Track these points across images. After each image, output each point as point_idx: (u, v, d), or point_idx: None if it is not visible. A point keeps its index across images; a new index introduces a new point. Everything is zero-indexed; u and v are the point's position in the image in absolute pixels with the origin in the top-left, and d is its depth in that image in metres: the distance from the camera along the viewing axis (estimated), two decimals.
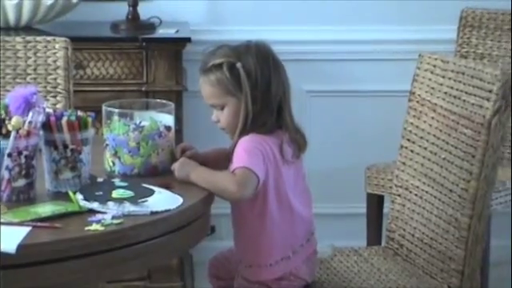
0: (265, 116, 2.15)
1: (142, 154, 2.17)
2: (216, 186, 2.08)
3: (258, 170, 2.09)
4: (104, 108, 2.21)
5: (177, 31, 3.28)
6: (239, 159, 2.11)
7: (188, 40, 3.20)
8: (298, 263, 2.22)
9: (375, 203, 3.24)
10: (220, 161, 2.21)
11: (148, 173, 2.17)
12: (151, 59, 3.18)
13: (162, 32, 3.28)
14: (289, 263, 2.21)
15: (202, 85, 2.20)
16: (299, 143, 2.21)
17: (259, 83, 2.14)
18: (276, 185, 2.16)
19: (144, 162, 2.17)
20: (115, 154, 2.18)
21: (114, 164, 2.19)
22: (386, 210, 3.13)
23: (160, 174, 2.16)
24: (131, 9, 3.34)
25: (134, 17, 3.34)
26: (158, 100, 2.41)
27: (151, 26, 3.34)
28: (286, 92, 2.20)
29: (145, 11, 3.37)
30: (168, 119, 2.23)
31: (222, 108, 2.17)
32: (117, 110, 2.19)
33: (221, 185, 2.08)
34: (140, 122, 2.18)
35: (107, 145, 2.19)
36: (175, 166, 2.14)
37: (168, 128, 2.21)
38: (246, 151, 2.11)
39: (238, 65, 2.14)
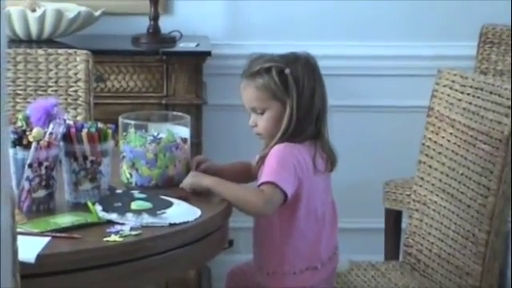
0: (305, 125, 2.17)
1: (159, 166, 2.18)
2: (239, 202, 2.09)
3: (287, 184, 2.10)
4: (120, 120, 2.23)
5: (197, 45, 3.30)
6: (269, 172, 2.12)
7: (208, 54, 3.22)
8: (323, 276, 2.23)
9: (393, 218, 3.23)
10: (234, 175, 2.23)
11: (165, 184, 2.18)
12: (171, 72, 3.20)
13: (182, 46, 3.30)
14: (315, 274, 2.22)
15: (246, 88, 2.20)
16: (331, 158, 2.22)
17: (305, 91, 2.17)
18: (307, 194, 2.17)
19: (161, 173, 2.19)
20: (133, 166, 2.20)
21: (131, 176, 2.20)
22: (403, 226, 3.13)
23: (176, 186, 2.17)
24: (152, 22, 3.37)
25: (154, 30, 3.37)
26: (175, 112, 2.43)
27: (172, 40, 3.36)
28: (325, 105, 2.23)
29: (165, 25, 3.40)
30: (184, 131, 2.24)
31: (263, 112, 2.18)
32: (133, 122, 2.21)
33: (245, 201, 2.09)
34: (158, 134, 2.19)
35: (124, 157, 2.21)
36: (186, 179, 2.15)
37: (184, 140, 2.23)
38: (278, 163, 2.12)
39: (287, 71, 2.17)
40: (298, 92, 2.16)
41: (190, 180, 2.14)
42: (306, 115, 2.18)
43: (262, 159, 2.18)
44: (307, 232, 2.20)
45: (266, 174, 2.12)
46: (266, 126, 2.18)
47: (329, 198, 2.26)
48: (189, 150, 2.25)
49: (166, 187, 2.17)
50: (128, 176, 2.21)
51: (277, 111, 2.17)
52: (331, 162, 2.24)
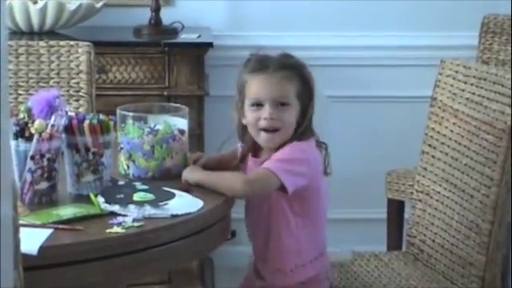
0: (310, 126, 2.20)
1: (156, 158, 2.18)
2: (222, 181, 2.09)
3: (288, 177, 2.09)
4: (118, 112, 2.22)
5: (199, 36, 3.29)
6: (273, 160, 2.11)
7: (210, 45, 3.21)
8: (328, 260, 2.25)
9: (395, 209, 3.23)
10: (235, 161, 2.24)
11: (162, 176, 2.18)
12: (173, 64, 3.19)
13: (184, 37, 3.29)
14: (324, 259, 2.24)
15: (272, 77, 2.15)
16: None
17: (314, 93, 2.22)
18: (317, 187, 2.18)
19: (158, 165, 2.18)
20: (130, 158, 2.19)
21: (128, 167, 2.20)
22: (406, 216, 3.13)
23: (174, 177, 2.17)
24: (154, 14, 3.36)
25: (156, 22, 3.36)
26: (172, 104, 2.42)
27: (173, 31, 3.35)
28: None
29: (167, 16, 3.39)
30: (182, 123, 2.24)
31: (288, 104, 2.15)
32: (131, 114, 2.21)
33: (228, 181, 2.09)
34: (154, 126, 2.19)
35: (121, 148, 2.21)
36: (183, 173, 2.16)
37: (182, 131, 2.22)
38: (291, 156, 2.12)
39: (308, 71, 2.20)
40: (313, 94, 2.20)
41: (183, 175, 2.15)
42: (312, 115, 2.21)
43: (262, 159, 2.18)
44: (318, 222, 2.22)
45: (268, 162, 2.12)
46: (290, 120, 2.15)
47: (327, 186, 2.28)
48: (187, 141, 2.25)
49: (162, 179, 2.16)
50: (125, 168, 2.21)
51: (297, 109, 2.17)
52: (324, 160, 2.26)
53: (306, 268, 2.21)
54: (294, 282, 2.21)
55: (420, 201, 2.50)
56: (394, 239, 3.24)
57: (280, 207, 2.18)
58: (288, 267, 2.22)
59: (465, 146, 2.34)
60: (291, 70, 2.17)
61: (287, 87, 2.16)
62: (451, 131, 2.41)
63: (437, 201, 2.44)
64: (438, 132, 2.45)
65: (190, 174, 2.14)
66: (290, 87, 2.16)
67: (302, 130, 2.17)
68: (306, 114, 2.17)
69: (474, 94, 2.35)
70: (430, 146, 2.48)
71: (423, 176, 2.50)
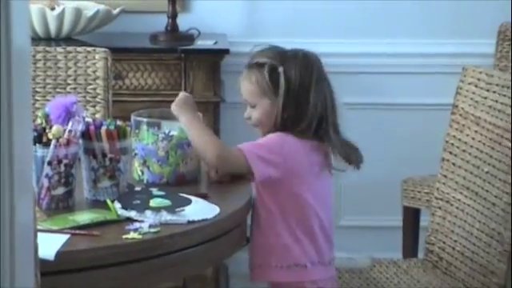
0: (299, 123, 2.15)
1: (170, 163, 2.17)
2: (199, 144, 2.13)
3: (257, 161, 2.10)
4: (133, 117, 2.21)
5: (215, 43, 3.28)
6: (250, 143, 2.14)
7: (226, 51, 3.20)
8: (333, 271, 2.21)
9: (411, 216, 3.21)
10: None
11: (176, 182, 2.17)
12: (190, 70, 3.19)
13: (200, 43, 3.29)
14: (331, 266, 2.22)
15: (243, 80, 2.23)
16: (348, 158, 2.20)
17: (297, 91, 2.15)
18: (293, 187, 2.14)
19: (172, 170, 2.17)
20: (144, 163, 2.18)
21: (142, 173, 2.19)
22: (422, 224, 3.10)
23: (188, 183, 2.16)
24: (170, 20, 3.36)
25: (173, 28, 3.35)
26: None
27: (190, 38, 3.34)
28: (329, 106, 2.19)
29: (184, 23, 3.38)
30: None
31: (254, 106, 2.20)
32: (145, 120, 2.20)
33: (204, 147, 2.13)
34: (169, 132, 2.18)
35: (136, 154, 2.20)
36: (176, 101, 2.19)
37: None
38: (264, 142, 2.14)
39: (280, 69, 2.16)
40: (287, 91, 2.14)
41: (173, 108, 2.17)
42: (300, 115, 2.15)
43: None
44: (312, 224, 2.16)
45: (247, 142, 2.15)
46: (257, 120, 2.19)
47: (329, 201, 2.23)
48: None
49: (176, 184, 2.15)
50: (139, 173, 2.19)
51: (266, 107, 2.17)
52: (349, 161, 2.20)
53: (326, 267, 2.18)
54: (308, 279, 2.17)
55: (440, 208, 2.47)
56: (410, 247, 3.22)
57: (267, 205, 2.16)
58: (286, 263, 2.17)
59: (486, 154, 2.32)
60: (251, 71, 2.20)
61: (248, 89, 2.20)
62: (473, 139, 2.38)
63: (457, 208, 2.41)
64: (459, 139, 2.43)
65: (181, 113, 2.16)
66: (253, 88, 2.19)
67: (277, 127, 2.16)
68: (285, 108, 2.15)
69: (496, 101, 2.32)
70: (450, 153, 2.46)
71: (443, 183, 2.47)
